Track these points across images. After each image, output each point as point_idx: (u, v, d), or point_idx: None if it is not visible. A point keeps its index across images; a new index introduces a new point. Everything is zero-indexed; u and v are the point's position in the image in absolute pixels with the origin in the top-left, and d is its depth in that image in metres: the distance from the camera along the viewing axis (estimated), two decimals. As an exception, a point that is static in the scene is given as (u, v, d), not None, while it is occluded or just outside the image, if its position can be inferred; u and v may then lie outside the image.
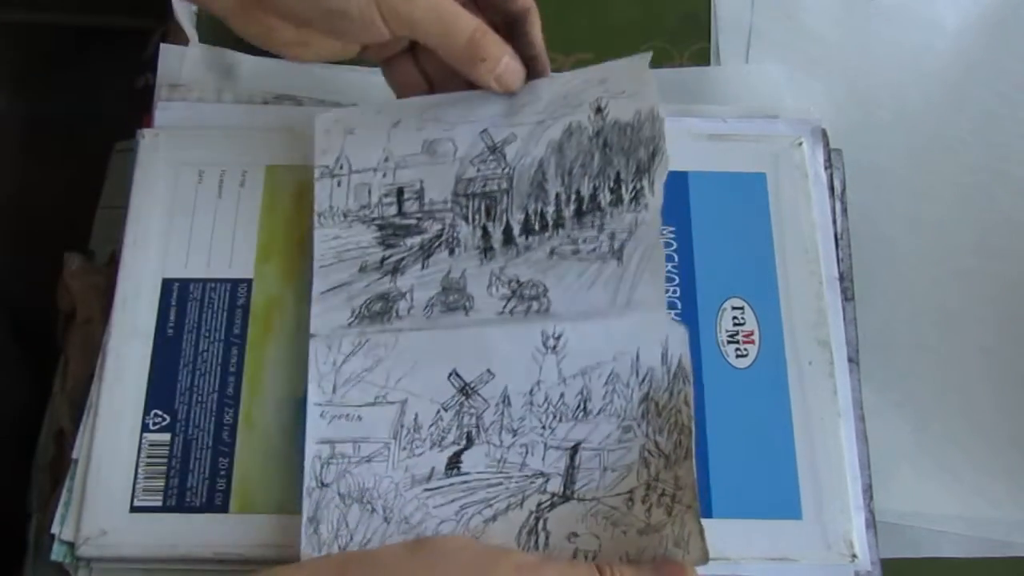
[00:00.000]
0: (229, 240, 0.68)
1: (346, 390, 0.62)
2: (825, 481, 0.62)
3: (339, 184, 0.66)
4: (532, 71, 0.66)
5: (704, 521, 0.58)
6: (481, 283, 0.64)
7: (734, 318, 0.66)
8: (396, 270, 0.65)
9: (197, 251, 0.68)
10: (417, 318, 0.63)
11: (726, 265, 0.67)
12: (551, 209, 0.64)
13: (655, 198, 0.63)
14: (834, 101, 0.77)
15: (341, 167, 0.67)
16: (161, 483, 0.62)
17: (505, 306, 0.63)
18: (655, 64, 0.67)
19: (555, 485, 0.60)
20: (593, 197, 0.64)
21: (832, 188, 0.70)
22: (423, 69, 0.68)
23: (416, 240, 0.65)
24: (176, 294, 0.67)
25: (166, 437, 0.64)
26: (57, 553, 0.62)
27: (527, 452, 0.61)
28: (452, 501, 0.60)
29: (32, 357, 0.79)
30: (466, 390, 0.62)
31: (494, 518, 0.60)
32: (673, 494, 0.58)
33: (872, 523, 0.63)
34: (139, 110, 0.73)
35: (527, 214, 0.65)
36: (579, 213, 0.64)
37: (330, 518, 0.60)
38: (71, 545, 0.61)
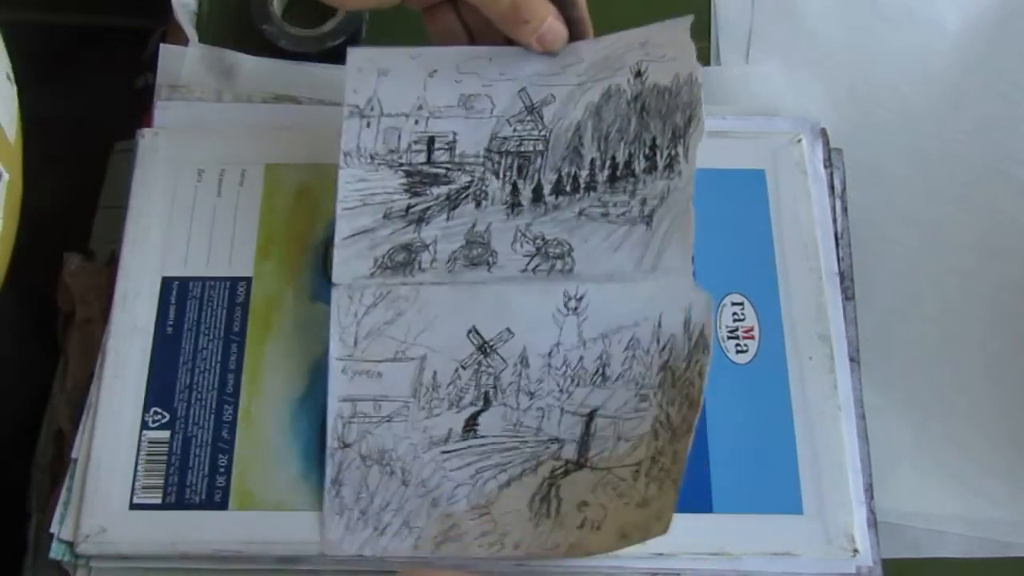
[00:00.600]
0: (229, 238, 0.68)
1: (367, 344, 0.63)
2: (826, 475, 0.62)
3: (368, 125, 0.66)
4: (574, 32, 0.66)
5: (705, 516, 0.59)
6: (506, 238, 0.64)
7: (734, 314, 0.66)
8: (421, 219, 0.64)
9: (197, 249, 0.68)
10: (439, 271, 0.64)
11: (725, 261, 0.67)
12: (584, 173, 0.64)
13: (688, 165, 0.63)
14: (834, 101, 0.77)
15: (372, 108, 0.66)
16: (160, 480, 0.62)
17: (528, 263, 0.63)
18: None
19: (569, 452, 0.60)
20: (628, 164, 0.64)
21: (832, 187, 0.70)
22: (464, 20, 0.68)
23: (443, 190, 0.65)
24: (176, 292, 0.67)
25: (165, 435, 0.63)
26: (56, 551, 0.61)
27: (543, 416, 0.61)
28: (468, 464, 0.61)
29: (32, 357, 0.79)
30: (485, 348, 0.62)
31: (508, 483, 0.60)
32: (668, 469, 0.59)
33: (873, 522, 0.63)
34: (139, 110, 0.74)
35: (560, 175, 0.65)
36: (612, 179, 0.64)
37: (352, 480, 0.61)
38: (71, 544, 0.61)
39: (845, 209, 0.71)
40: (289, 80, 0.75)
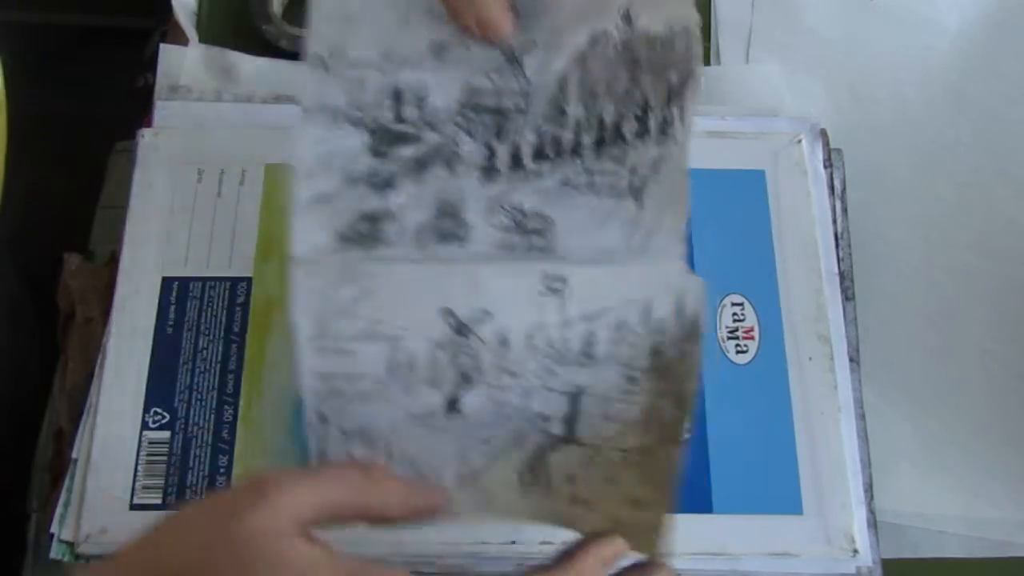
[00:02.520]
0: (229, 239, 0.68)
1: (336, 323, 0.56)
2: (826, 476, 0.62)
3: (330, 75, 0.57)
4: None
5: (705, 517, 0.59)
6: (479, 209, 0.57)
7: (734, 314, 0.66)
8: (387, 184, 0.57)
9: (197, 250, 0.68)
10: (407, 247, 0.57)
11: (726, 261, 0.67)
12: (568, 135, 0.57)
13: (684, 130, 0.56)
14: (834, 101, 0.77)
15: (334, 57, 0.57)
16: (161, 481, 0.62)
17: (504, 239, 0.58)
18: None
19: (556, 427, 0.56)
20: (617, 127, 0.57)
21: (832, 187, 0.71)
22: None
23: (411, 151, 0.57)
24: (176, 292, 0.67)
25: (166, 435, 0.64)
26: (57, 551, 0.62)
27: (527, 395, 0.56)
28: (453, 440, 0.56)
29: (32, 357, 0.79)
30: (462, 329, 0.56)
31: (496, 457, 0.56)
32: (663, 470, 0.55)
33: (873, 522, 0.63)
34: (139, 110, 0.73)
35: (541, 138, 0.57)
36: (600, 143, 0.57)
37: (337, 452, 0.56)
38: (71, 544, 0.61)
39: (845, 209, 0.71)
40: (289, 80, 0.75)
